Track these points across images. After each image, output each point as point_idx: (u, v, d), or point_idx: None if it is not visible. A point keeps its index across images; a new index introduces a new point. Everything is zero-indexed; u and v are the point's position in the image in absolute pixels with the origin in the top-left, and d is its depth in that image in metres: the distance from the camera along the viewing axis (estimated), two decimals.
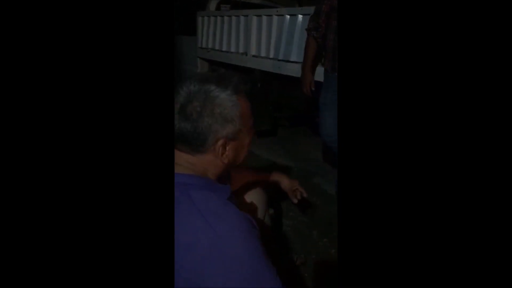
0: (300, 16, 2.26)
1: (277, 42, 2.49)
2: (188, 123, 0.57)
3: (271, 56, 2.56)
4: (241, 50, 2.93)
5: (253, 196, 1.01)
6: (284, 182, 1.17)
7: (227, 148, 0.61)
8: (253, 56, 2.77)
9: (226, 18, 3.10)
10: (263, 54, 2.66)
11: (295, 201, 1.15)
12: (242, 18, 2.87)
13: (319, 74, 1.82)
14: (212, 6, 3.77)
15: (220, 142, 0.59)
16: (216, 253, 0.50)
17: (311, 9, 1.80)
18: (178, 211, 0.52)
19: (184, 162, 0.60)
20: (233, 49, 3.04)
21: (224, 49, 3.15)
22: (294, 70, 2.30)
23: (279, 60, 2.46)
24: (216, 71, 0.70)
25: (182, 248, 0.50)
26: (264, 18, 2.60)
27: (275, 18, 2.49)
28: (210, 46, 3.38)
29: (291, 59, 2.33)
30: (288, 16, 2.37)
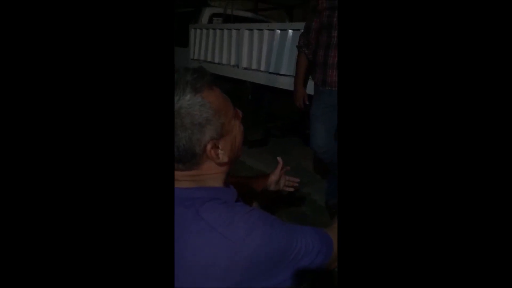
0: (290, 31, 2.34)
1: (268, 55, 2.55)
2: None
3: (262, 69, 2.62)
4: (232, 63, 2.99)
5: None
6: (271, 178, 1.06)
7: (220, 146, 0.57)
8: (244, 68, 2.82)
9: (218, 31, 3.16)
10: (254, 66, 2.72)
11: (291, 189, 1.08)
12: (234, 31, 2.93)
13: (310, 87, 1.88)
14: (205, 18, 3.84)
15: (209, 147, 0.55)
16: (239, 261, 0.51)
17: (301, 25, 1.87)
18: (189, 231, 0.51)
19: (185, 177, 0.58)
20: (224, 61, 3.09)
21: (216, 61, 3.20)
22: (285, 83, 2.36)
23: (270, 73, 2.52)
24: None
25: (200, 267, 0.50)
26: (256, 32, 2.67)
27: (266, 32, 2.56)
28: (202, 58, 3.43)
29: (282, 72, 2.40)
30: (279, 31, 2.44)
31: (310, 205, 2.06)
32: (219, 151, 0.57)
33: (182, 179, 0.58)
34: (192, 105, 0.53)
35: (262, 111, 3.01)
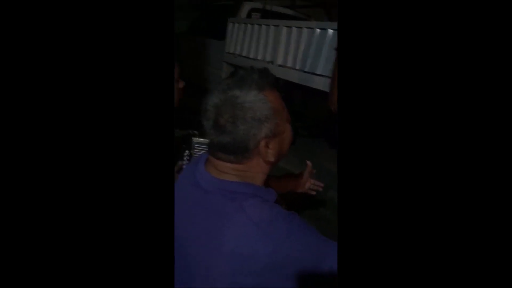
0: (330, 31, 2.30)
1: (304, 54, 2.53)
2: (225, 136, 0.57)
3: (297, 67, 2.60)
4: (267, 59, 2.98)
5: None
6: (299, 181, 1.11)
7: (270, 146, 0.59)
8: (279, 65, 2.82)
9: (256, 26, 3.17)
10: (289, 64, 2.71)
11: (314, 192, 1.13)
12: (272, 27, 2.93)
13: None
14: (244, 13, 3.85)
15: (262, 143, 0.58)
16: (277, 260, 0.52)
17: None
18: (232, 223, 0.53)
19: (232, 170, 0.60)
20: (259, 57, 3.10)
21: (251, 56, 3.21)
22: (319, 83, 2.33)
23: (305, 71, 2.50)
24: (234, 74, 0.65)
25: (239, 260, 0.52)
26: (294, 29, 2.65)
27: (305, 30, 2.53)
28: (237, 51, 3.45)
29: (318, 72, 2.37)
30: (319, 30, 2.41)
31: (333, 209, 2.03)
32: (269, 150, 0.60)
33: (229, 172, 0.61)
34: (256, 101, 0.57)
35: (292, 109, 2.99)
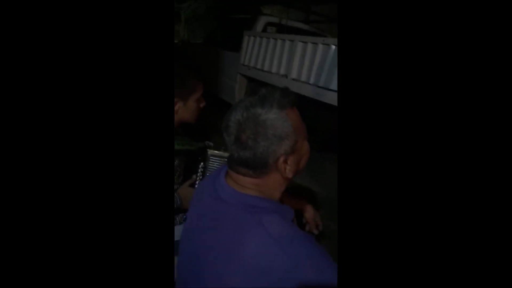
0: None
1: (319, 69, 2.55)
2: (246, 151, 0.59)
3: (311, 82, 2.62)
4: (281, 72, 3.02)
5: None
6: (309, 211, 1.18)
7: (288, 162, 0.62)
8: (293, 79, 2.84)
9: (271, 39, 3.21)
10: (303, 78, 2.73)
11: (316, 232, 1.17)
12: (287, 42, 2.97)
13: None
14: (259, 26, 3.91)
15: (282, 160, 0.61)
16: (294, 277, 0.52)
17: None
18: (251, 235, 0.55)
19: (250, 185, 0.63)
20: (274, 70, 3.14)
21: (265, 69, 3.25)
22: (333, 99, 2.34)
23: (319, 86, 2.51)
24: (256, 92, 0.68)
25: (256, 272, 0.53)
26: (309, 44, 2.68)
27: (320, 46, 2.56)
28: (252, 64, 3.50)
29: (331, 88, 2.38)
30: (334, 46, 2.43)
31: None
32: (287, 166, 0.62)
33: (249, 186, 0.63)
34: (277, 119, 0.59)
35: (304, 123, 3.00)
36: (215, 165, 1.10)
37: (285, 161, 0.61)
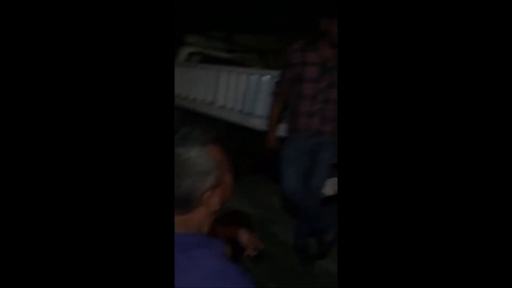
0: (268, 77, 2.51)
1: (243, 96, 2.69)
2: None
3: (237, 108, 2.73)
4: (208, 100, 3.09)
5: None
6: (244, 235, 1.21)
7: (213, 195, 0.64)
8: (219, 107, 2.93)
9: (196, 68, 3.28)
10: (229, 105, 2.83)
11: (253, 254, 1.20)
12: (212, 71, 3.07)
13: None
14: (182, 57, 3.96)
15: (207, 195, 0.63)
16: None
17: (278, 73, 2.04)
18: (180, 272, 0.55)
19: (178, 222, 0.63)
20: (200, 98, 3.19)
21: (190, 97, 3.28)
22: (259, 124, 2.48)
23: (244, 113, 2.64)
24: (178, 131, 0.69)
25: None
26: (234, 74, 2.82)
27: (243, 75, 2.71)
28: (177, 92, 3.49)
29: (257, 113, 2.52)
30: (257, 76, 2.61)
31: (278, 245, 2.08)
32: (213, 199, 0.65)
33: (176, 225, 0.62)
34: (199, 157, 0.61)
35: (233, 149, 3.07)
36: None
37: (211, 196, 0.63)
